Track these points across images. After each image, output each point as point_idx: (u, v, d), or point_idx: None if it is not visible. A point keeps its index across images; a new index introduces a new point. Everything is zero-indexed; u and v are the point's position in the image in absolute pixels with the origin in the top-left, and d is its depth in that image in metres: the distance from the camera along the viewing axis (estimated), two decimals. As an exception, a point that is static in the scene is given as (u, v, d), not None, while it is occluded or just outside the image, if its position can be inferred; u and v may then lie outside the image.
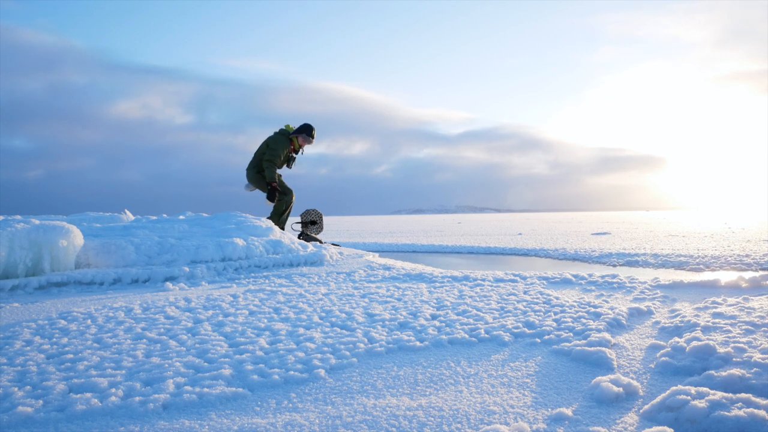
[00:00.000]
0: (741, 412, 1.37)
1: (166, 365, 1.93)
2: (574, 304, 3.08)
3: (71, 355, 2.07)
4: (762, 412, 1.37)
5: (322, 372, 1.86)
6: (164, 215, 6.78)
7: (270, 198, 7.04)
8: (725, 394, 1.48)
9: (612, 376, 1.71)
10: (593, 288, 3.85)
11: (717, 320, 2.50)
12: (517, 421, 1.45)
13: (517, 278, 4.34)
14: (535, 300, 3.25)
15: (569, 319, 2.65)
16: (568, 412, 1.49)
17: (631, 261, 8.12)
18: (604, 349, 2.04)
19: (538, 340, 2.29)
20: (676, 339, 2.14)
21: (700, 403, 1.43)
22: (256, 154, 7.20)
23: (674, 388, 1.55)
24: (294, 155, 7.32)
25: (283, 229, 7.34)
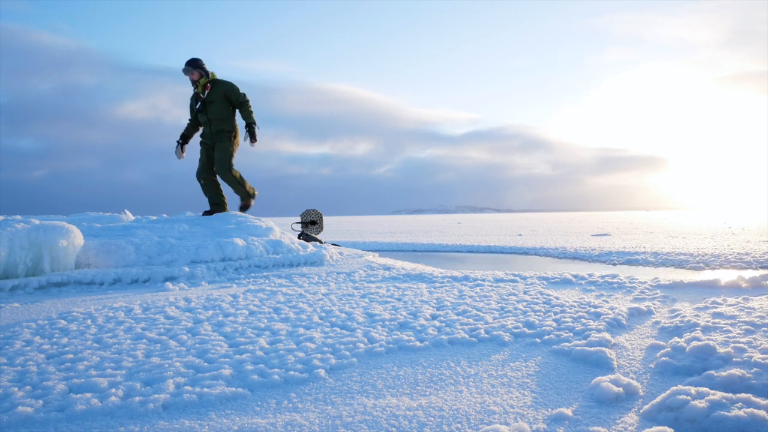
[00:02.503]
0: (741, 412, 1.37)
1: (166, 365, 1.93)
2: (574, 304, 3.08)
3: (71, 355, 2.07)
4: (762, 412, 1.37)
5: (322, 372, 1.86)
6: (164, 215, 6.78)
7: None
8: (725, 394, 1.48)
9: (612, 376, 1.71)
10: (593, 288, 3.85)
11: (717, 320, 2.50)
12: (517, 421, 1.45)
13: (517, 278, 4.34)
14: (535, 300, 3.25)
15: (569, 319, 2.65)
16: (568, 412, 1.49)
17: (631, 260, 8.13)
18: (604, 349, 2.04)
19: (538, 340, 2.29)
20: (676, 339, 2.14)
21: (700, 403, 1.43)
22: None
23: (674, 388, 1.55)
24: (199, 99, 6.51)
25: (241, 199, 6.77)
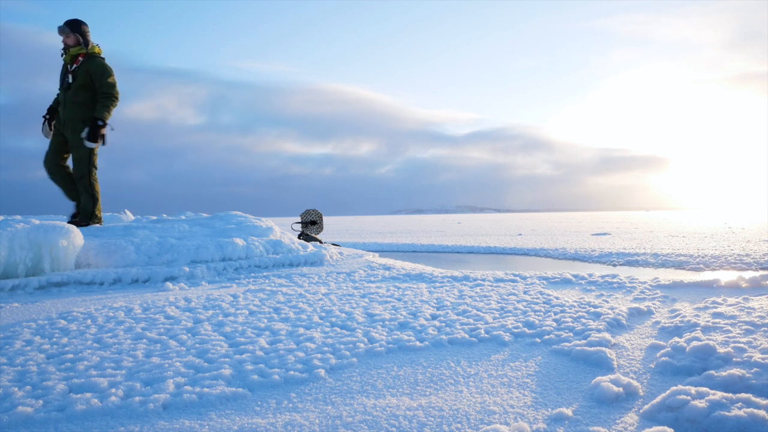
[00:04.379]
0: (741, 412, 1.37)
1: (166, 365, 1.93)
2: (574, 304, 3.08)
3: (71, 355, 2.07)
4: (762, 412, 1.37)
5: (322, 372, 1.86)
6: (164, 215, 6.79)
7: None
8: (725, 394, 1.48)
9: (612, 376, 1.71)
10: (593, 288, 3.85)
11: (717, 320, 2.50)
12: (517, 421, 1.45)
13: (517, 278, 4.34)
14: (535, 300, 3.25)
15: (569, 319, 2.65)
16: (568, 412, 1.49)
17: (631, 260, 8.13)
18: (604, 349, 2.04)
19: (538, 340, 2.29)
20: (676, 339, 2.14)
21: (700, 403, 1.43)
22: None
23: (674, 388, 1.55)
24: (67, 72, 5.37)
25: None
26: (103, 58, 5.40)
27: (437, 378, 1.82)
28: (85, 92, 5.29)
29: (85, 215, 5.48)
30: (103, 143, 5.31)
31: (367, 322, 2.67)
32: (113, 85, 5.33)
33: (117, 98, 5.35)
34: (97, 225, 5.45)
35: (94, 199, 5.46)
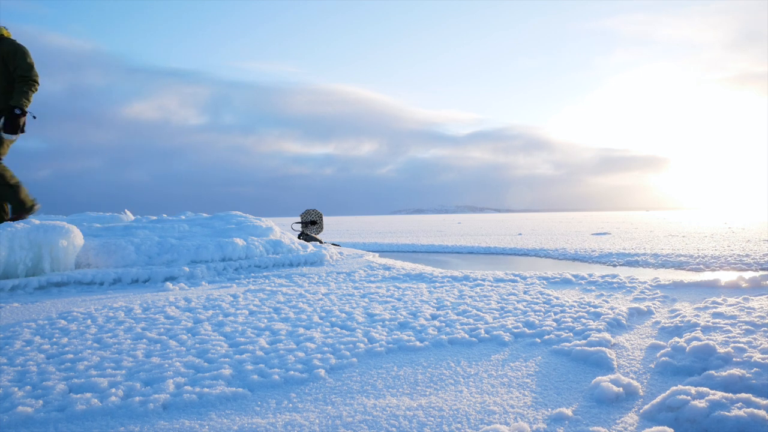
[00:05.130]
0: (741, 412, 1.37)
1: (166, 365, 1.93)
2: (574, 304, 3.08)
3: (71, 355, 2.07)
4: (762, 412, 1.37)
5: (322, 372, 1.86)
6: (164, 215, 6.79)
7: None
8: (725, 394, 1.48)
9: (612, 376, 1.71)
10: (593, 288, 3.85)
11: (717, 320, 2.50)
12: (517, 421, 1.45)
13: (517, 278, 4.34)
14: (535, 300, 3.25)
15: (569, 319, 2.65)
16: (568, 412, 1.49)
17: (631, 261, 8.13)
18: (604, 349, 2.04)
19: (538, 340, 2.29)
20: (676, 339, 2.14)
21: (700, 403, 1.43)
22: None
23: (674, 388, 1.55)
24: None
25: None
26: (14, 40, 4.76)
27: (437, 378, 1.82)
28: (1, 79, 4.67)
29: (16, 208, 4.90)
30: (22, 132, 4.70)
31: (367, 322, 2.67)
32: (31, 67, 4.69)
33: (36, 82, 4.75)
34: (39, 221, 4.84)
35: (12, 188, 4.82)
